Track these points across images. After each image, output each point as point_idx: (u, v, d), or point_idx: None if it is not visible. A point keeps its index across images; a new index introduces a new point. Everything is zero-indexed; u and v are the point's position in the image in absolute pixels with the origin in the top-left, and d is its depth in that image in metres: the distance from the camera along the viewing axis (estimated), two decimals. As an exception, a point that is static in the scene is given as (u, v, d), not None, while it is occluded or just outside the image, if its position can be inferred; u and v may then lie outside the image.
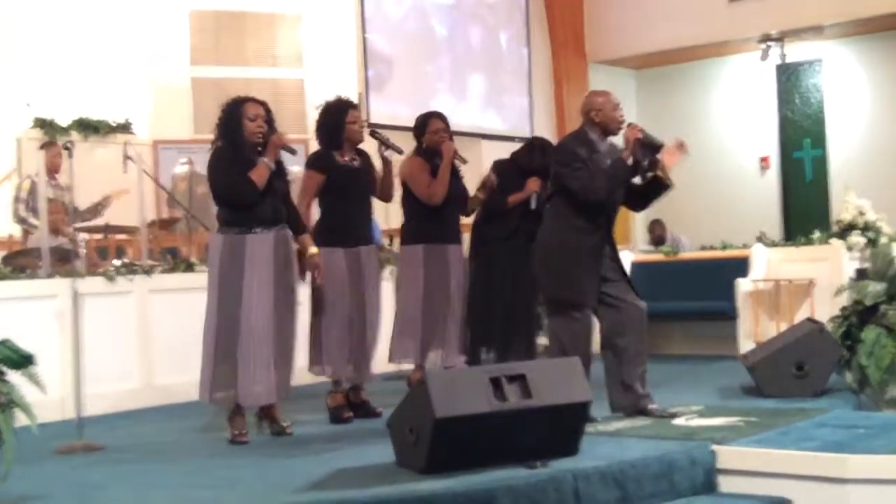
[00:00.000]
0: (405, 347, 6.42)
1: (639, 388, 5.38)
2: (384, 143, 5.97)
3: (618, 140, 5.50)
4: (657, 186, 5.52)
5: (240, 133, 5.25)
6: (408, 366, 6.69)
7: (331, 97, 6.00)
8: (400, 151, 6.07)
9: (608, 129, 5.48)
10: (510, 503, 3.90)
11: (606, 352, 5.45)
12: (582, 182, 5.32)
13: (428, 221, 6.37)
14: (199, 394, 5.29)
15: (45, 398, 4.29)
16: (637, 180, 5.55)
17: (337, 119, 5.84)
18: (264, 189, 5.23)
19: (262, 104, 5.35)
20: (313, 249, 5.52)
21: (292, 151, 5.49)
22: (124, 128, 10.23)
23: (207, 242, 6.32)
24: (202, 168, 6.66)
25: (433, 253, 6.40)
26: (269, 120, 5.34)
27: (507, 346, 6.49)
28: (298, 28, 11.37)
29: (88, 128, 9.96)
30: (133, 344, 6.92)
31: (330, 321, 5.73)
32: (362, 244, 5.88)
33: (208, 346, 5.23)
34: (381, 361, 6.25)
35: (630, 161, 5.35)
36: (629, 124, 5.45)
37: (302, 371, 5.73)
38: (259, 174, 5.22)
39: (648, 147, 5.38)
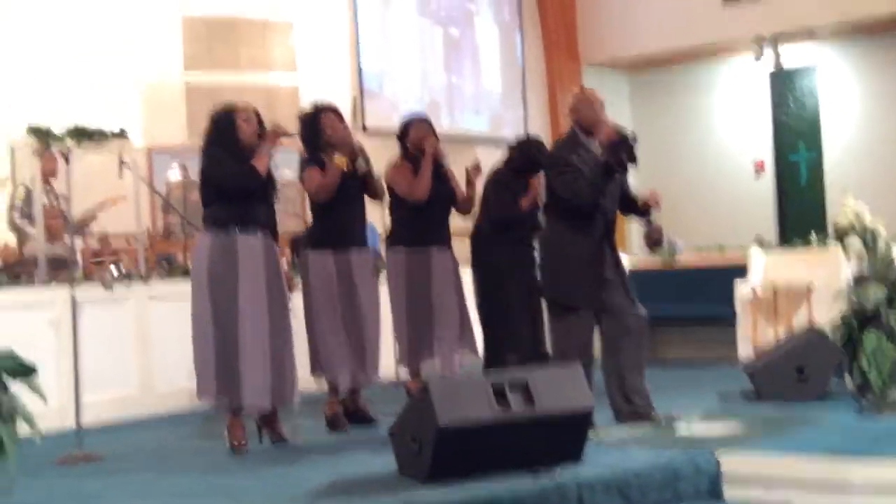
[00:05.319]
0: (401, 354, 6.35)
1: (639, 395, 5.35)
2: (359, 156, 5.81)
3: None
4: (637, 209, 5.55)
5: (235, 136, 5.23)
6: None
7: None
8: (365, 168, 5.83)
9: (587, 130, 5.33)
10: (514, 512, 3.89)
11: (606, 358, 5.42)
12: (566, 186, 5.25)
13: (411, 224, 6.25)
14: (198, 395, 5.23)
15: (44, 408, 4.25)
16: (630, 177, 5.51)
17: (312, 125, 5.83)
18: (259, 191, 5.21)
19: (252, 108, 5.36)
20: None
21: (290, 134, 5.50)
22: (120, 135, 10.15)
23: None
24: (196, 174, 6.62)
25: (415, 256, 6.26)
26: (260, 122, 5.34)
27: (527, 351, 6.38)
28: (291, 35, 11.33)
29: (83, 135, 9.89)
30: (131, 351, 6.88)
31: (323, 326, 5.67)
32: (353, 246, 5.82)
33: (206, 350, 5.14)
34: (383, 366, 6.14)
35: (609, 162, 5.20)
36: (601, 125, 5.28)
37: (302, 379, 5.66)
38: (261, 161, 5.21)
39: (619, 144, 5.19)
